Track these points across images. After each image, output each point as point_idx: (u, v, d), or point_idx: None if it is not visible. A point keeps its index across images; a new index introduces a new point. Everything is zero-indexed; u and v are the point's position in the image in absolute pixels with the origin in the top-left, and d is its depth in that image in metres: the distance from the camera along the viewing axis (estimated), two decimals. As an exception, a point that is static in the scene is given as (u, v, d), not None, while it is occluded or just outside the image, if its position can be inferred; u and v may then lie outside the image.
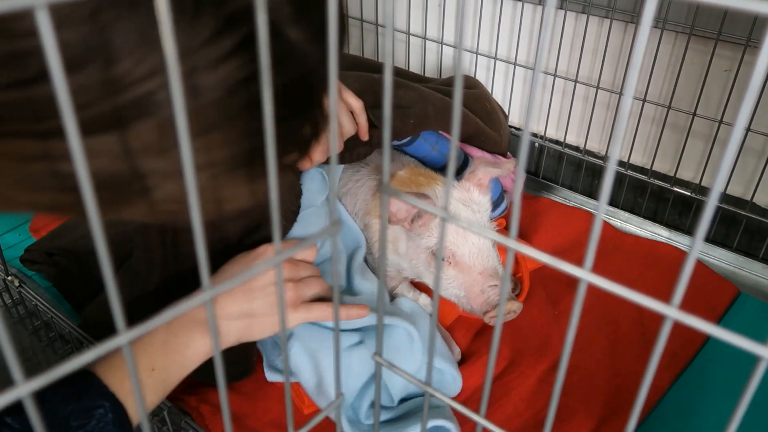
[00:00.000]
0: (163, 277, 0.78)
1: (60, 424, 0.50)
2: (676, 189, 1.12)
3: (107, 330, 0.75)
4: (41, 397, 0.51)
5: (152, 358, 0.60)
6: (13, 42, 0.27)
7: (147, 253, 0.78)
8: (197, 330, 0.62)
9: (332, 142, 0.28)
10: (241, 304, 0.65)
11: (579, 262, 0.24)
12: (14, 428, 0.49)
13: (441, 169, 0.98)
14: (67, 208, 0.34)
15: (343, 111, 0.76)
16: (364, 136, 0.81)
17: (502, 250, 0.97)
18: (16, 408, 0.49)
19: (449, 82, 1.10)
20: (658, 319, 0.28)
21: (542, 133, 1.25)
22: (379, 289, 0.33)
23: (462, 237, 0.80)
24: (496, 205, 1.03)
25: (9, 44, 0.27)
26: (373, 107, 0.82)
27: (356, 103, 0.79)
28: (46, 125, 0.29)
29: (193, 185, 0.23)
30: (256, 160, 0.35)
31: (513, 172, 1.08)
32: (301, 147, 0.39)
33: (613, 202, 1.22)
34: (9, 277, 0.88)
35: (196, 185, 0.33)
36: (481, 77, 1.31)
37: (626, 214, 1.17)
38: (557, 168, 1.29)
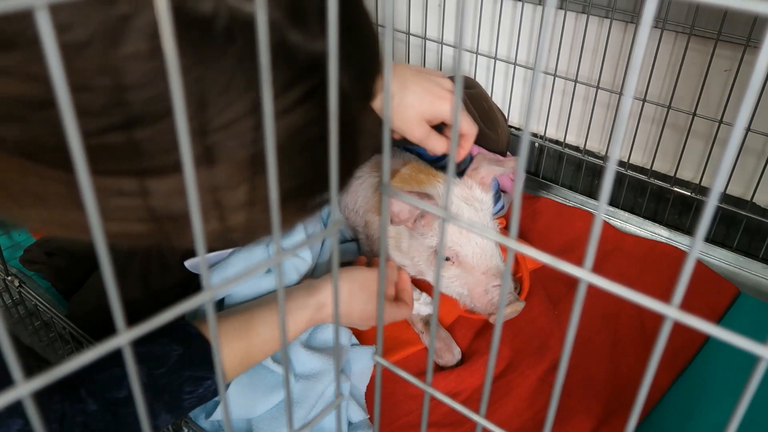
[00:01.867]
0: (143, 281, 0.81)
1: (177, 385, 0.57)
2: (676, 189, 1.12)
3: (93, 321, 0.78)
4: (168, 353, 0.58)
5: (249, 336, 0.67)
6: (122, 93, 0.28)
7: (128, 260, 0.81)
8: (305, 308, 0.71)
9: (332, 140, 0.28)
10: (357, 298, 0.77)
11: (579, 262, 0.24)
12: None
13: (436, 160, 0.98)
14: (144, 237, 0.36)
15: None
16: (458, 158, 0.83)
17: (503, 249, 0.97)
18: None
19: None
20: (658, 319, 0.28)
21: (542, 133, 1.25)
22: (380, 288, 0.33)
23: (465, 236, 0.79)
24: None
25: (118, 95, 0.28)
26: None
27: (469, 130, 0.80)
28: (145, 164, 0.31)
29: (195, 204, 0.23)
30: (306, 194, 0.38)
31: (512, 171, 1.08)
32: (340, 185, 0.41)
33: (613, 202, 1.22)
34: (9, 277, 0.88)
35: (255, 217, 0.37)
36: (481, 77, 1.31)
37: (626, 214, 1.17)
38: (557, 168, 1.29)
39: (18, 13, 0.25)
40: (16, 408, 0.48)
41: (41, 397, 0.51)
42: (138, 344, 0.58)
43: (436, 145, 0.78)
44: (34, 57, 0.26)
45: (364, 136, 0.39)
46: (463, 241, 0.80)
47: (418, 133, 0.77)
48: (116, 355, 0.58)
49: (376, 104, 0.69)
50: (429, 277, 0.86)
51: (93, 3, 0.26)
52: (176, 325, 0.62)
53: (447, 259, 0.81)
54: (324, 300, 0.74)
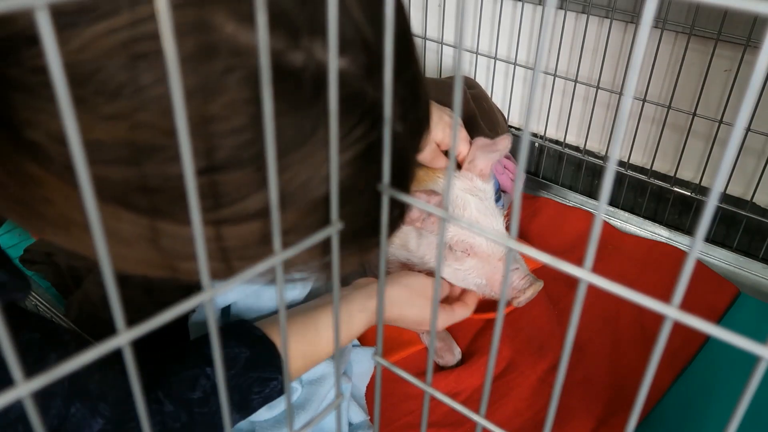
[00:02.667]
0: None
1: (245, 387, 0.61)
2: (676, 189, 1.12)
3: (92, 320, 0.80)
4: (237, 356, 0.61)
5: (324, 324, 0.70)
6: (216, 139, 0.30)
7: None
8: (365, 311, 0.74)
9: (333, 138, 0.28)
10: (411, 301, 0.79)
11: (579, 262, 0.24)
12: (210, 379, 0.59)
13: None
14: (216, 275, 0.37)
15: (435, 148, 0.85)
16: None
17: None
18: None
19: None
20: (658, 319, 0.28)
21: (542, 133, 1.25)
22: (380, 287, 0.33)
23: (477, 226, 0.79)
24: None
25: (213, 141, 0.30)
26: None
27: (462, 150, 0.83)
28: (223, 211, 0.32)
29: (197, 214, 0.23)
30: (366, 235, 0.39)
31: (512, 171, 1.08)
32: (391, 229, 0.42)
33: (613, 202, 1.22)
34: (9, 277, 0.87)
35: (314, 258, 0.39)
36: (481, 77, 1.31)
37: (626, 214, 1.17)
38: (557, 168, 1.29)
39: (126, 65, 0.27)
40: (99, 410, 0.51)
41: (124, 399, 0.54)
42: (208, 348, 0.62)
43: (441, 162, 0.85)
44: (141, 104, 0.28)
45: (410, 174, 0.41)
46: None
47: (428, 155, 0.85)
48: (188, 359, 0.61)
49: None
50: (445, 274, 0.86)
51: (197, 57, 0.28)
52: (243, 327, 0.66)
53: (462, 251, 0.81)
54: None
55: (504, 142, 0.83)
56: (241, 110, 0.29)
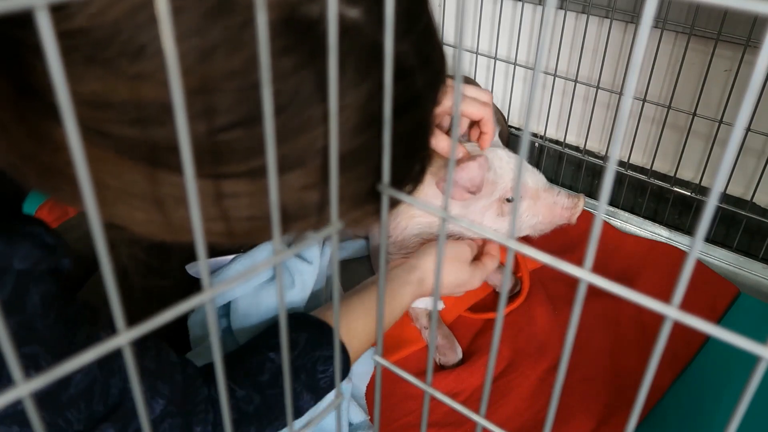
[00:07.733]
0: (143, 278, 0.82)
1: (311, 365, 0.63)
2: (676, 189, 1.12)
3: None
4: (297, 339, 0.63)
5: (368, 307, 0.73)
6: (244, 92, 0.30)
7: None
8: (407, 284, 0.76)
9: (332, 140, 0.28)
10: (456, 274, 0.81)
11: (579, 262, 0.24)
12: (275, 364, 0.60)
13: None
14: (241, 235, 0.37)
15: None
16: (484, 144, 0.82)
17: (502, 250, 0.97)
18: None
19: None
20: (658, 319, 0.28)
21: (542, 133, 1.25)
22: (380, 287, 0.33)
23: (517, 167, 0.80)
24: None
25: (241, 95, 0.30)
26: None
27: (482, 114, 0.79)
28: (256, 162, 0.32)
29: (195, 203, 0.23)
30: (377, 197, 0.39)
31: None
32: (413, 184, 0.43)
33: (613, 202, 1.22)
34: (9, 277, 0.87)
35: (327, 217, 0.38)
36: (481, 77, 1.31)
37: (626, 214, 1.17)
38: (557, 168, 1.29)
39: (145, 25, 0.27)
40: (158, 389, 0.51)
41: (182, 382, 0.54)
42: (270, 337, 0.65)
43: (440, 142, 0.79)
44: (163, 64, 0.28)
45: (431, 128, 0.41)
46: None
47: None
48: (249, 350, 0.62)
49: None
50: (501, 229, 0.85)
51: (216, 12, 0.28)
52: (297, 316, 0.68)
53: (511, 199, 0.82)
54: (423, 275, 0.78)
55: (479, 95, 0.82)
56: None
